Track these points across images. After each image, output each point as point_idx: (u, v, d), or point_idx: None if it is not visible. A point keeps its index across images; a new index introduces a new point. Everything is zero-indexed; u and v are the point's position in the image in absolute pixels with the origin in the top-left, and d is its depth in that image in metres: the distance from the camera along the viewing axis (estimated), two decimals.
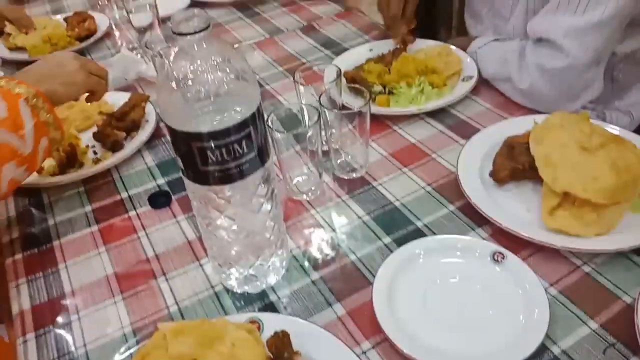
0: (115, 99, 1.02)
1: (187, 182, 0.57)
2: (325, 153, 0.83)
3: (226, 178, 0.54)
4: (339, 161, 0.84)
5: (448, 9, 2.07)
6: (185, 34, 0.47)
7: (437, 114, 0.92)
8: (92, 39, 1.35)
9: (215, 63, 0.49)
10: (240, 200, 0.57)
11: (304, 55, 1.18)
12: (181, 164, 0.55)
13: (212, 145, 0.51)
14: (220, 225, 0.59)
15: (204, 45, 0.48)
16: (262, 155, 0.56)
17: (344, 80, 0.92)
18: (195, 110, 0.50)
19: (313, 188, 0.80)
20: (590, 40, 0.83)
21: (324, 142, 0.82)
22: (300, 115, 0.84)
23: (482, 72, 0.96)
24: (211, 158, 0.52)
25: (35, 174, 0.89)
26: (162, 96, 0.51)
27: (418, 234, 0.70)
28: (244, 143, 0.52)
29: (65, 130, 0.92)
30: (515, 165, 0.72)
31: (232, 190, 0.55)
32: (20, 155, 0.67)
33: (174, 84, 0.50)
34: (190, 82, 0.49)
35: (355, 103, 0.83)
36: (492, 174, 0.73)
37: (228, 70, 0.50)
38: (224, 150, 0.51)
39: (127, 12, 1.25)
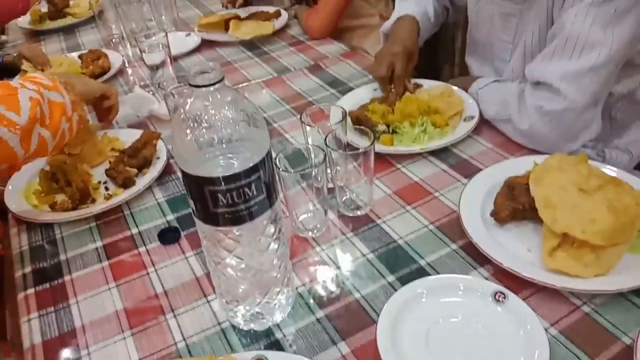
0: (127, 136, 1.05)
1: (197, 222, 0.59)
2: (331, 190, 0.85)
3: (236, 219, 0.56)
4: (343, 199, 0.86)
5: (450, 47, 2.13)
6: (201, 86, 0.50)
7: (439, 153, 0.95)
8: (105, 76, 1.39)
9: (228, 112, 0.52)
10: (249, 240, 0.59)
11: (311, 94, 1.22)
12: (193, 205, 0.57)
13: (224, 188, 0.53)
14: (228, 264, 0.61)
15: (218, 96, 0.52)
16: (271, 197, 0.58)
17: (349, 120, 0.95)
18: (208, 156, 0.53)
19: (318, 225, 0.82)
20: (586, 84, 0.86)
21: (329, 180, 0.84)
22: (306, 153, 0.87)
23: (483, 112, 0.99)
24: (222, 201, 0.54)
25: (48, 208, 0.92)
26: (176, 142, 0.54)
27: (421, 272, 0.72)
28: (253, 186, 0.55)
29: (79, 167, 0.96)
30: (516, 205, 0.74)
31: (241, 231, 0.58)
32: (67, 114, 0.83)
33: (188, 131, 0.52)
34: (204, 130, 0.52)
35: (360, 141, 0.86)
36: (494, 214, 0.75)
37: (240, 118, 0.53)
38: (234, 194, 0.54)
39: (140, 51, 1.30)
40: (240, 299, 0.64)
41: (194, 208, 0.58)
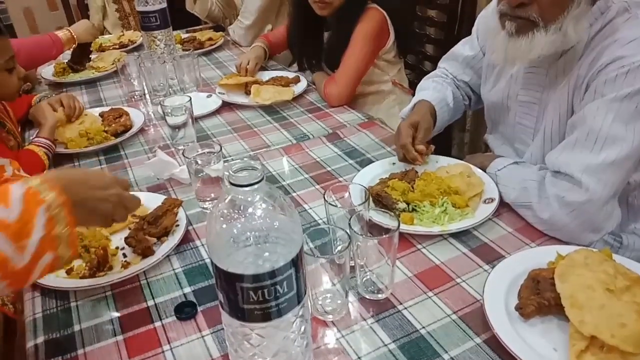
0: (149, 201, 1.05)
1: (224, 314, 0.58)
2: (351, 269, 0.84)
3: (265, 316, 0.55)
4: (364, 279, 0.85)
5: (461, 131, 2.20)
6: (242, 186, 0.51)
7: (459, 235, 0.94)
8: (126, 135, 1.41)
9: (265, 210, 0.53)
10: (275, 335, 0.58)
11: (329, 163, 1.23)
12: (221, 298, 0.57)
13: (256, 285, 0.53)
14: (251, 358, 0.60)
15: (257, 195, 0.52)
16: (300, 293, 0.57)
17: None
18: (243, 252, 0.53)
19: (338, 308, 0.81)
20: (608, 177, 0.87)
21: (350, 258, 0.84)
22: (328, 230, 0.87)
23: (502, 195, 1.00)
24: (252, 297, 0.54)
25: (64, 274, 0.91)
26: (212, 236, 0.54)
27: None
28: (285, 283, 0.54)
29: (98, 232, 0.96)
30: (541, 300, 0.73)
31: (268, 327, 0.57)
32: (9, 269, 0.60)
33: (224, 227, 0.53)
34: (240, 227, 0.52)
35: (381, 219, 0.86)
36: (519, 308, 0.74)
37: (276, 216, 0.54)
38: (266, 291, 0.54)
39: (164, 113, 1.33)
40: None
41: (222, 301, 0.57)
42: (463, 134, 2.26)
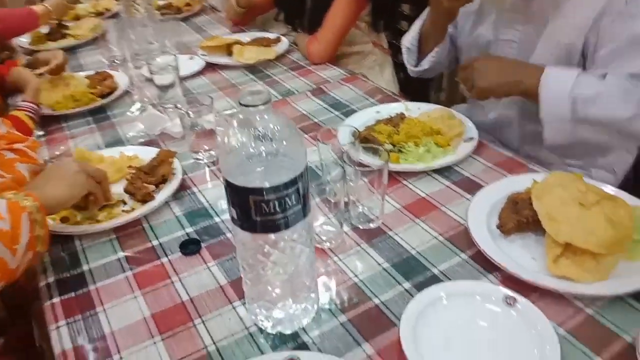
0: (144, 153, 1.09)
1: (236, 229, 0.63)
2: (345, 205, 0.90)
3: (274, 227, 0.61)
4: (357, 212, 0.91)
5: (438, 91, 2.27)
6: (252, 106, 0.55)
7: (442, 171, 1.01)
8: (112, 96, 1.43)
9: (274, 129, 0.58)
10: (284, 247, 0.63)
11: (316, 115, 1.28)
12: (235, 214, 0.62)
13: (267, 198, 0.58)
14: (263, 270, 0.65)
15: (265, 116, 0.57)
16: (305, 208, 0.63)
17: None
18: (254, 169, 0.58)
19: (334, 237, 0.87)
20: None
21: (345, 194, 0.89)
22: (318, 170, 0.92)
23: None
24: (264, 209, 0.59)
25: (59, 222, 0.94)
26: (225, 156, 0.59)
27: (435, 280, 0.77)
28: (293, 197, 0.60)
29: None
30: (520, 218, 0.80)
31: (278, 238, 0.62)
32: (6, 270, 0.71)
33: (237, 146, 0.57)
34: (252, 145, 0.57)
35: (369, 159, 0.91)
36: (500, 226, 0.81)
37: (283, 135, 0.58)
38: (276, 203, 0.59)
39: (151, 72, 1.34)
40: (271, 303, 0.68)
41: (234, 216, 0.62)
42: (439, 94, 2.33)
